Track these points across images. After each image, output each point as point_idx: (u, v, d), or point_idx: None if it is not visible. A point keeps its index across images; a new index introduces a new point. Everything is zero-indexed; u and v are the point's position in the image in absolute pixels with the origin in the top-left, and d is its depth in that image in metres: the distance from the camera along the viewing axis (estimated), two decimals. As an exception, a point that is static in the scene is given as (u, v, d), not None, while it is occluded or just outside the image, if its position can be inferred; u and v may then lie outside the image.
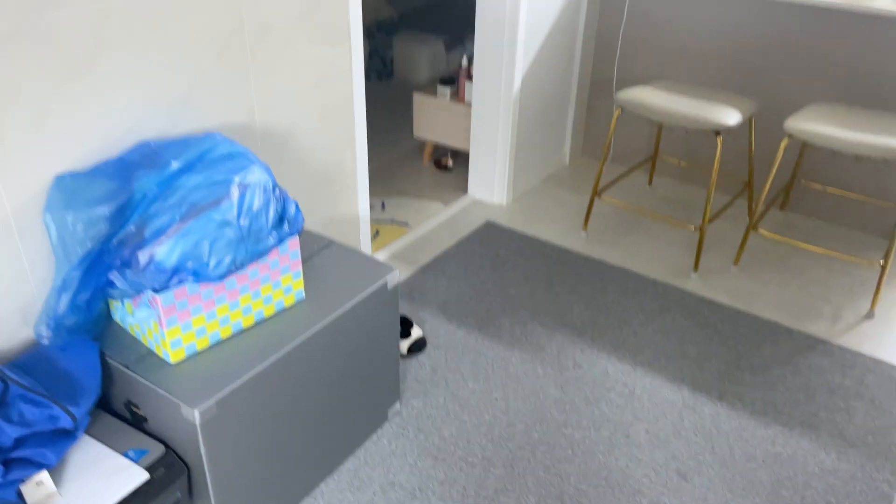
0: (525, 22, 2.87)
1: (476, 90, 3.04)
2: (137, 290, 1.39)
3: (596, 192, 2.89)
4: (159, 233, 1.39)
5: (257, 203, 1.50)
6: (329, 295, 1.74)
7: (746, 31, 2.97)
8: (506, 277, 2.68)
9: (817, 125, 2.42)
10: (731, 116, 2.51)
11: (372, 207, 3.16)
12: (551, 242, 2.91)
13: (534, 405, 2.10)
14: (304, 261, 1.86)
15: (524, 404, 2.11)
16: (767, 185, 2.56)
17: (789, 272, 2.77)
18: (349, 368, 1.80)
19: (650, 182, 3.32)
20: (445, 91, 3.29)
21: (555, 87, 3.25)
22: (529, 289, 2.62)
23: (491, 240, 2.91)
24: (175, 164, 1.47)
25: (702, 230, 2.66)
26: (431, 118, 3.40)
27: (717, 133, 2.55)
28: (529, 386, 2.17)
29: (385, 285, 1.82)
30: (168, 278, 1.38)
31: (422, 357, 2.28)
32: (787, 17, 2.87)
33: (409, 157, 3.66)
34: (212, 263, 1.42)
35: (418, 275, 2.68)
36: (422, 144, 3.79)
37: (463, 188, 3.34)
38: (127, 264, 1.37)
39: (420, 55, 4.57)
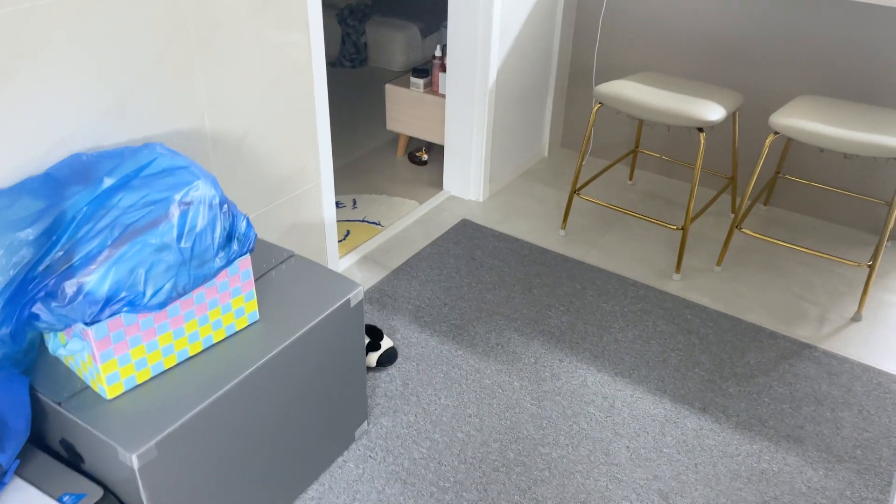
0: (500, 9, 2.73)
1: (450, 81, 2.91)
2: (65, 324, 1.26)
3: (574, 190, 2.77)
4: (89, 259, 1.25)
5: (201, 222, 1.37)
6: (286, 315, 1.62)
7: (730, 20, 2.85)
8: (482, 281, 2.56)
9: (804, 121, 2.31)
10: (714, 112, 2.39)
11: (343, 205, 3.03)
12: (529, 242, 2.79)
13: (509, 421, 2.00)
14: (260, 277, 1.73)
15: (499, 421, 2.00)
16: (752, 182, 2.46)
17: (774, 272, 2.68)
18: (310, 392, 1.68)
19: (631, 177, 3.21)
20: (418, 83, 3.15)
21: (532, 78, 3.12)
22: (506, 293, 2.51)
23: (467, 239, 2.79)
24: (108, 181, 1.33)
25: (684, 230, 2.56)
26: (404, 111, 3.26)
27: (700, 129, 2.43)
28: (505, 400, 2.07)
29: (348, 302, 1.70)
30: (99, 310, 1.25)
31: (392, 370, 2.16)
32: (772, 6, 2.75)
33: (382, 149, 3.52)
34: (149, 292, 1.28)
35: (390, 278, 2.56)
36: (396, 136, 3.65)
37: (438, 183, 3.21)
38: (52, 295, 1.23)
39: (395, 41, 4.41)
